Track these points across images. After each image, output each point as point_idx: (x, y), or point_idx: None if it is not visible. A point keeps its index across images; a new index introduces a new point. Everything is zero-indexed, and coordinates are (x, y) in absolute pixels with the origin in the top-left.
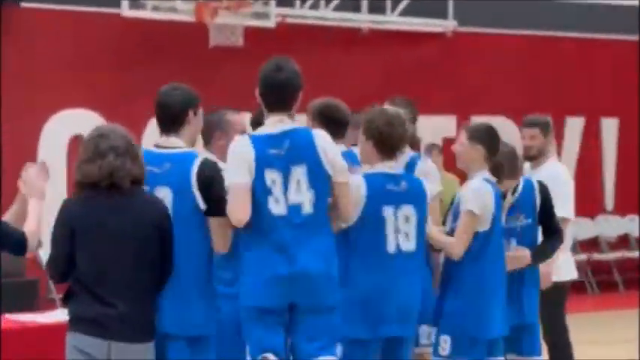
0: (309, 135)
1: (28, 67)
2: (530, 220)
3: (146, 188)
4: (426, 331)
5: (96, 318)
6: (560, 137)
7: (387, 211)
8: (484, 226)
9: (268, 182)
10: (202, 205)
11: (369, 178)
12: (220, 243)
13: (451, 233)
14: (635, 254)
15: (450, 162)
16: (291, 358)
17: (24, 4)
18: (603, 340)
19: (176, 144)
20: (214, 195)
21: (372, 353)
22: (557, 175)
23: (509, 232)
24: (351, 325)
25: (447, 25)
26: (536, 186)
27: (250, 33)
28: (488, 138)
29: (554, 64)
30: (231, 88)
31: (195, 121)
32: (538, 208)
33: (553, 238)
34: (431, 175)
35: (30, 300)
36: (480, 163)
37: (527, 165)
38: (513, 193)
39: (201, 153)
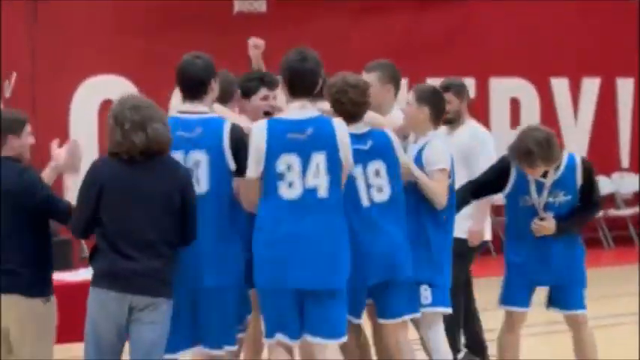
0: (331, 125)
1: (58, 35)
2: (569, 197)
3: (181, 152)
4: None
5: (118, 272)
6: (576, 98)
7: (356, 170)
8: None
9: (282, 168)
10: (233, 166)
11: None
12: (247, 201)
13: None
14: None
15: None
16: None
17: None
18: (619, 293)
19: (202, 109)
20: (243, 157)
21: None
22: (476, 135)
23: (547, 206)
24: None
25: None
26: (579, 164)
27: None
28: (433, 100)
29: (569, 27)
30: None
31: (215, 89)
32: (579, 186)
33: (584, 211)
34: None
35: (64, 259)
36: (426, 124)
37: (442, 129)
38: (555, 171)
39: (227, 117)
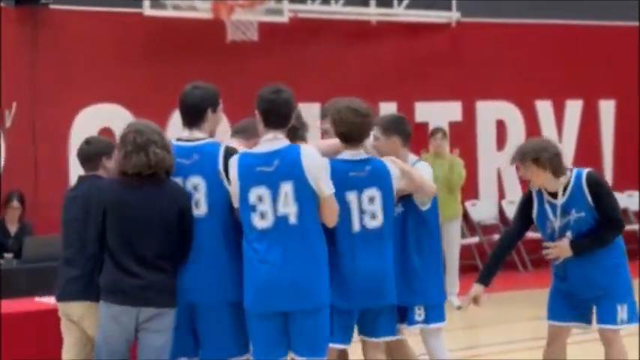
0: (298, 154)
1: (60, 64)
2: (583, 214)
3: (180, 178)
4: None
5: (125, 288)
6: (560, 119)
7: (350, 196)
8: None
9: (253, 199)
10: (228, 186)
11: (335, 165)
12: None
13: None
14: (634, 227)
15: (454, 144)
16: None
17: (57, 6)
18: None
19: (199, 136)
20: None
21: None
22: None
23: (567, 226)
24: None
25: (451, 16)
26: (585, 180)
27: (265, 28)
28: (399, 127)
29: (553, 50)
30: (247, 80)
31: (214, 118)
32: (590, 202)
33: (600, 230)
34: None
35: None
36: (402, 152)
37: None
38: (564, 192)
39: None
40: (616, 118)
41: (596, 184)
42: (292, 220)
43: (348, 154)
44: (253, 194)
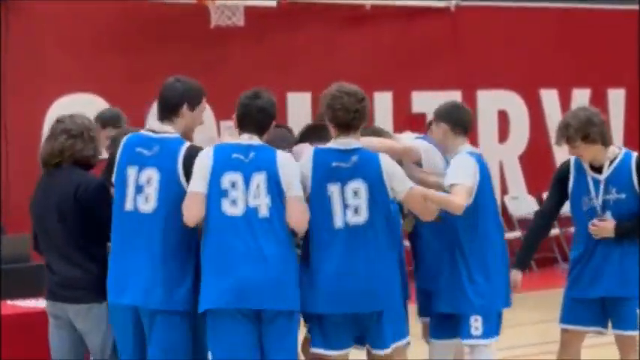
0: (272, 150)
1: (32, 52)
2: (623, 196)
3: (135, 168)
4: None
5: (49, 285)
6: (566, 109)
7: (332, 188)
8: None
9: (225, 183)
10: (186, 188)
11: (318, 155)
12: (189, 215)
13: None
14: None
15: None
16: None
17: None
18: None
19: (167, 130)
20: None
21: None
22: None
23: (604, 203)
24: (313, 301)
25: (450, 1)
26: (634, 161)
27: (251, 13)
28: (450, 114)
29: (556, 36)
30: (233, 68)
31: (190, 115)
32: (636, 185)
33: None
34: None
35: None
36: (450, 140)
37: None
38: (610, 166)
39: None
40: (626, 107)
41: None
42: (263, 212)
43: (338, 143)
44: (226, 179)
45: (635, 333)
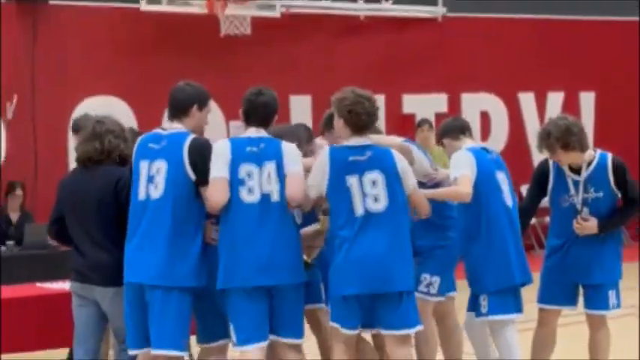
0: (278, 142)
1: (59, 58)
2: (601, 194)
3: (147, 161)
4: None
5: (78, 268)
6: (542, 111)
7: (351, 180)
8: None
9: (242, 173)
10: (192, 176)
11: (334, 152)
12: (213, 202)
13: None
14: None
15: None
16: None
17: (55, 2)
18: None
19: (176, 128)
20: (201, 168)
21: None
22: None
23: (584, 201)
24: (337, 284)
25: (437, 11)
26: (610, 162)
27: (257, 22)
28: (444, 131)
29: (532, 44)
30: (240, 73)
31: (199, 115)
32: (612, 184)
33: (626, 209)
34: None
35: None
36: (455, 147)
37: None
38: (587, 168)
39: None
40: (596, 109)
41: (622, 170)
42: (275, 197)
43: (353, 141)
44: (243, 170)
45: (604, 312)
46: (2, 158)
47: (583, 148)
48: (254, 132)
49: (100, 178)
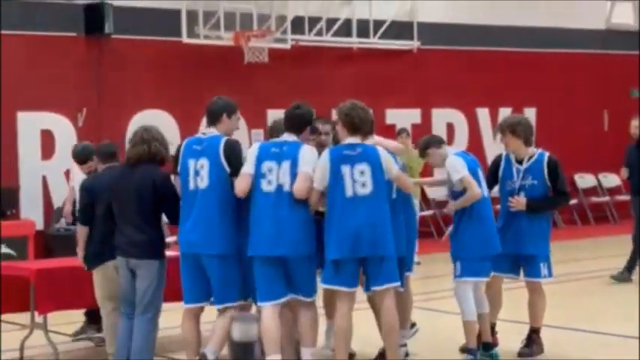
0: (297, 146)
1: (118, 79)
2: (536, 182)
3: (193, 159)
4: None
5: (120, 245)
6: (495, 123)
7: (345, 169)
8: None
9: (264, 168)
10: (227, 169)
11: (333, 150)
12: (239, 189)
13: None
14: None
15: (415, 141)
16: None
17: (117, 36)
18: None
19: (213, 132)
20: (234, 163)
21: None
22: None
23: (521, 187)
24: (331, 249)
25: (413, 44)
26: (545, 159)
27: (273, 53)
28: (426, 144)
29: (485, 70)
30: (260, 92)
31: (229, 122)
32: (546, 175)
33: (554, 197)
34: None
35: None
36: (441, 156)
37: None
38: (528, 160)
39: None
40: (537, 122)
41: (554, 165)
42: (287, 188)
43: (347, 140)
44: (265, 166)
45: (539, 280)
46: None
47: (527, 140)
48: (286, 136)
49: (142, 175)
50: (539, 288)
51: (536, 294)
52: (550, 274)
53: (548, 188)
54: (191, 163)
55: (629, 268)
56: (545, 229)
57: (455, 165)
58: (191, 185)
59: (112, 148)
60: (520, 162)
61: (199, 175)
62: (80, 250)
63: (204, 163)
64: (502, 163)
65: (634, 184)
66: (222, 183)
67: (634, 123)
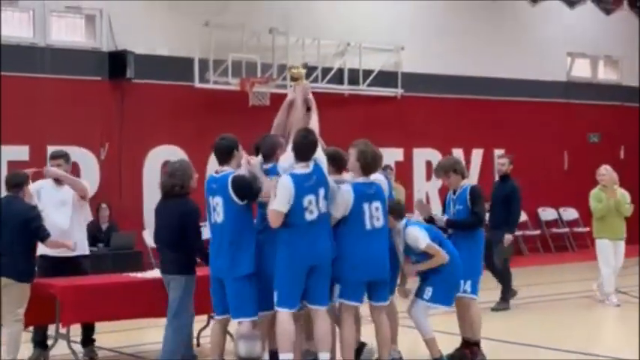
0: (323, 172)
1: (137, 118)
2: (461, 207)
3: (211, 197)
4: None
5: (159, 264)
6: (468, 162)
7: (365, 206)
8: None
9: (305, 203)
10: (239, 202)
11: (355, 186)
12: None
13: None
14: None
15: (398, 176)
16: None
17: (137, 80)
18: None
19: (225, 170)
20: (245, 194)
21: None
22: None
23: (455, 212)
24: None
25: (397, 91)
26: (469, 190)
27: (274, 96)
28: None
29: (465, 115)
30: (262, 131)
31: (238, 155)
32: (469, 202)
33: (467, 218)
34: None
35: (139, 264)
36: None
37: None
38: (454, 193)
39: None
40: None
41: (474, 194)
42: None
43: (364, 179)
44: (305, 199)
45: (473, 296)
46: (97, 185)
47: (463, 175)
48: (304, 165)
49: (171, 207)
50: (473, 304)
51: (472, 309)
52: (475, 292)
53: (470, 212)
54: (210, 200)
55: (505, 297)
56: (476, 256)
57: (416, 236)
58: (212, 219)
59: (18, 178)
60: (454, 192)
61: (216, 210)
62: None
63: (218, 200)
64: (448, 196)
65: (495, 219)
66: (235, 216)
67: (500, 161)
